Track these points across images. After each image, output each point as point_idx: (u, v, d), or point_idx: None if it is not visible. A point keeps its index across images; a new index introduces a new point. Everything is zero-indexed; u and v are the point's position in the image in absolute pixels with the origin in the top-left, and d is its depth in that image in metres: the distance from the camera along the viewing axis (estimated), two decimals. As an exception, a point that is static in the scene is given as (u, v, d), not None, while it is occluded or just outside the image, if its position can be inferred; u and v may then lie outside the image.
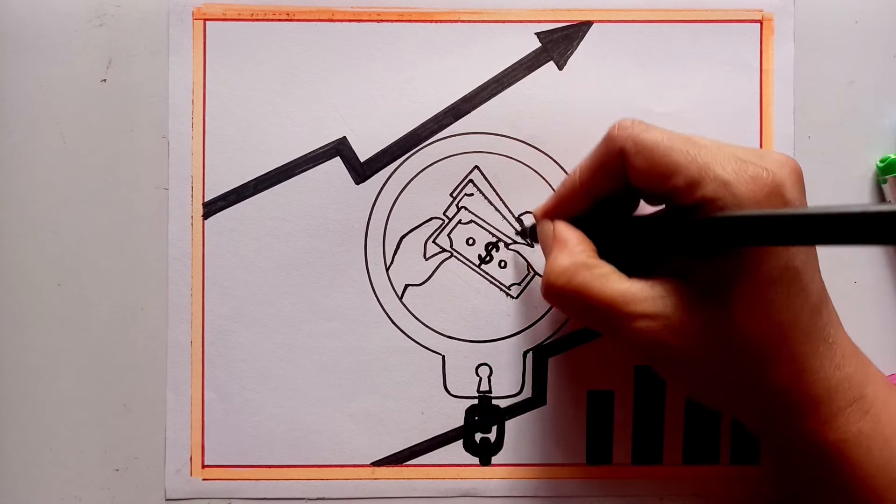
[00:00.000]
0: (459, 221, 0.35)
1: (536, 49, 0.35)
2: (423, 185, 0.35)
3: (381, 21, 0.35)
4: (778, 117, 0.35)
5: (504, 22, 0.35)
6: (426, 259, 0.35)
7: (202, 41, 0.35)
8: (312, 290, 0.35)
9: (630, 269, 0.28)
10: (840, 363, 0.26)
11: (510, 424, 0.35)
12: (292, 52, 0.35)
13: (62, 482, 0.35)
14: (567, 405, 0.35)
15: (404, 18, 0.35)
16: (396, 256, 0.35)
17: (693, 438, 0.35)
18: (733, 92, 0.35)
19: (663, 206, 0.29)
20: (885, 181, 0.34)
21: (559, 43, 0.35)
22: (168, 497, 0.35)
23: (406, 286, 0.35)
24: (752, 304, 0.25)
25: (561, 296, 0.28)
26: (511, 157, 0.35)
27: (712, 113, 0.35)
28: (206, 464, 0.35)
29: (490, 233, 0.35)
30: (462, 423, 0.35)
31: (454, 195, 0.35)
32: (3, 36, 0.35)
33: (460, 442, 0.35)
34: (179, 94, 0.35)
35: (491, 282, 0.35)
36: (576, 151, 0.34)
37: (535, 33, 0.35)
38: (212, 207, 0.35)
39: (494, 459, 0.35)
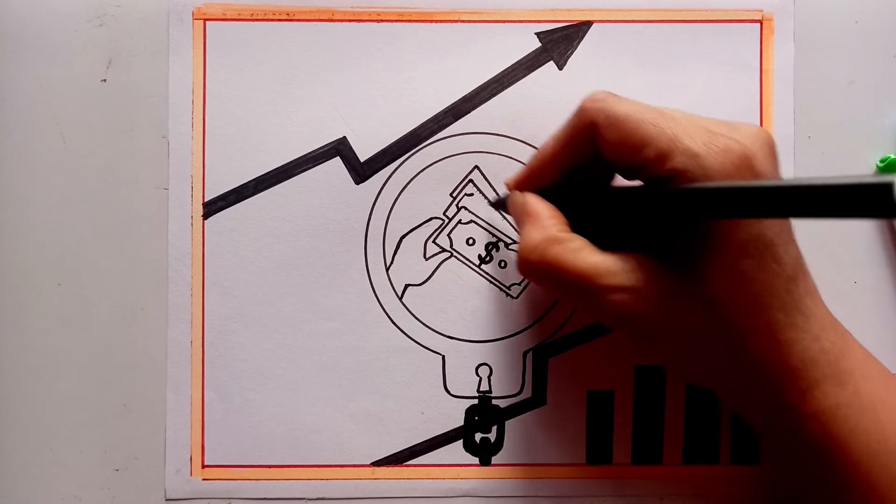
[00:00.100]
0: (459, 221, 0.35)
1: (536, 49, 0.35)
2: (423, 185, 0.35)
3: (381, 21, 0.35)
4: (778, 117, 0.35)
5: (504, 22, 0.35)
6: (426, 259, 0.35)
7: (202, 41, 0.35)
8: (312, 290, 0.35)
9: (603, 241, 0.28)
10: (818, 335, 0.26)
11: (510, 424, 0.35)
12: (292, 52, 0.35)
13: (62, 482, 0.35)
14: (567, 405, 0.35)
15: (404, 18, 0.35)
16: (396, 256, 0.35)
17: (693, 438, 0.35)
18: (733, 92, 0.35)
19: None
20: (885, 181, 0.34)
21: (559, 43, 0.35)
22: (168, 497, 0.35)
23: (406, 286, 0.35)
24: (724, 275, 0.25)
25: (534, 271, 0.28)
26: (511, 157, 0.35)
27: (712, 113, 0.34)
28: (206, 464, 0.35)
29: (490, 233, 0.35)
30: (462, 423, 0.35)
31: (454, 195, 0.35)
32: (3, 36, 0.35)
33: (460, 442, 0.35)
34: (179, 94, 0.35)
35: (491, 282, 0.35)
36: (576, 151, 0.34)
37: (535, 33, 0.35)
38: (212, 207, 0.35)
39: (494, 459, 0.35)
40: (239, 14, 0.35)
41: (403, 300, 0.35)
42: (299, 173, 0.35)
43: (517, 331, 0.35)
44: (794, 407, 0.26)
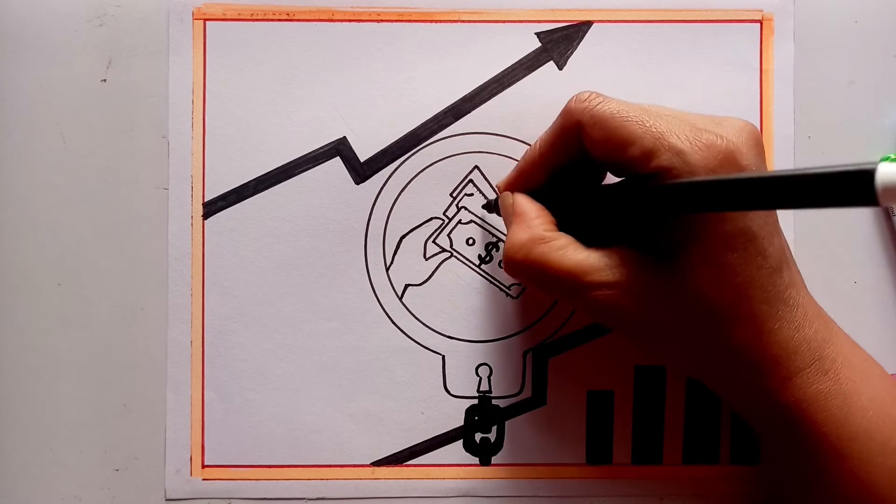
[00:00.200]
0: (459, 221, 0.35)
1: (536, 49, 0.35)
2: (423, 185, 0.35)
3: (381, 21, 0.35)
4: (778, 117, 0.35)
5: (504, 22, 0.35)
6: (426, 259, 0.35)
7: (202, 41, 0.35)
8: (312, 290, 0.35)
9: (592, 239, 0.28)
10: (800, 324, 0.27)
11: (510, 424, 0.35)
12: (292, 52, 0.35)
13: (62, 482, 0.35)
14: (567, 405, 0.35)
15: (404, 18, 0.35)
16: (396, 256, 0.35)
17: (693, 438, 0.35)
18: (733, 92, 0.35)
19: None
20: (884, 181, 0.34)
21: (559, 43, 0.35)
22: (168, 497, 0.35)
23: (406, 286, 0.35)
24: (707, 267, 0.26)
25: (520, 270, 0.29)
26: (511, 157, 0.35)
27: (712, 113, 0.35)
28: (206, 464, 0.35)
29: (490, 233, 0.35)
30: (462, 423, 0.35)
31: (454, 195, 0.35)
32: (3, 36, 0.35)
33: (460, 442, 0.35)
34: (179, 94, 0.35)
35: (491, 282, 0.35)
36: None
37: (535, 33, 0.35)
38: (212, 207, 0.35)
39: (494, 459, 0.35)
40: (239, 14, 0.35)
41: (403, 300, 0.35)
42: (299, 173, 0.35)
43: (517, 331, 0.35)
44: (775, 395, 0.27)
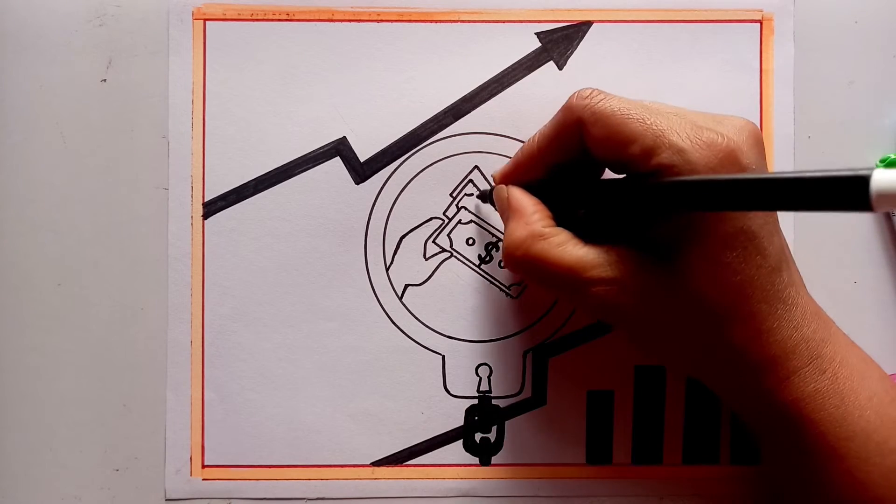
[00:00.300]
0: (459, 221, 0.35)
1: (536, 49, 0.35)
2: (423, 185, 0.35)
3: (381, 21, 0.35)
4: (778, 117, 0.35)
5: (504, 22, 0.35)
6: (426, 259, 0.35)
7: (202, 41, 0.35)
8: (312, 290, 0.35)
9: (589, 233, 0.28)
10: (799, 324, 0.27)
11: (510, 424, 0.35)
12: (292, 52, 0.35)
13: (62, 482, 0.35)
14: (567, 405, 0.35)
15: (404, 18, 0.35)
16: (396, 256, 0.35)
17: (693, 438, 0.35)
18: (733, 92, 0.35)
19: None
20: (884, 181, 0.34)
21: (559, 43, 0.35)
22: (168, 497, 0.35)
23: (406, 286, 0.35)
24: (707, 266, 0.26)
25: (520, 266, 0.29)
26: (511, 158, 0.35)
27: (712, 113, 0.35)
28: (206, 464, 0.35)
29: (490, 233, 0.35)
30: (462, 423, 0.35)
31: (454, 195, 0.35)
32: (3, 36, 0.35)
33: (460, 442, 0.35)
34: (179, 94, 0.35)
35: (491, 282, 0.35)
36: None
37: (535, 33, 0.35)
38: (212, 207, 0.35)
39: (494, 459, 0.35)
40: (239, 14, 0.35)
41: (403, 300, 0.35)
42: (299, 173, 0.35)
43: (517, 331, 0.35)
44: (774, 393, 0.27)
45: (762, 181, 0.22)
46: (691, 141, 0.25)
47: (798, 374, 0.27)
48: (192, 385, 0.35)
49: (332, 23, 0.35)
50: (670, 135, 0.26)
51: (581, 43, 0.35)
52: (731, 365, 0.27)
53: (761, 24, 0.35)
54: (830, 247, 0.35)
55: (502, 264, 0.35)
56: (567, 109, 0.28)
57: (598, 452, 0.35)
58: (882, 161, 0.34)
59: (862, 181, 0.18)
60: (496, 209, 0.32)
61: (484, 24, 0.35)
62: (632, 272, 0.27)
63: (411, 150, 0.35)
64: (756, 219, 0.26)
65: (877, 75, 0.35)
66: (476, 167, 0.35)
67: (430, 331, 0.35)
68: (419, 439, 0.35)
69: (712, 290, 0.26)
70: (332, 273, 0.35)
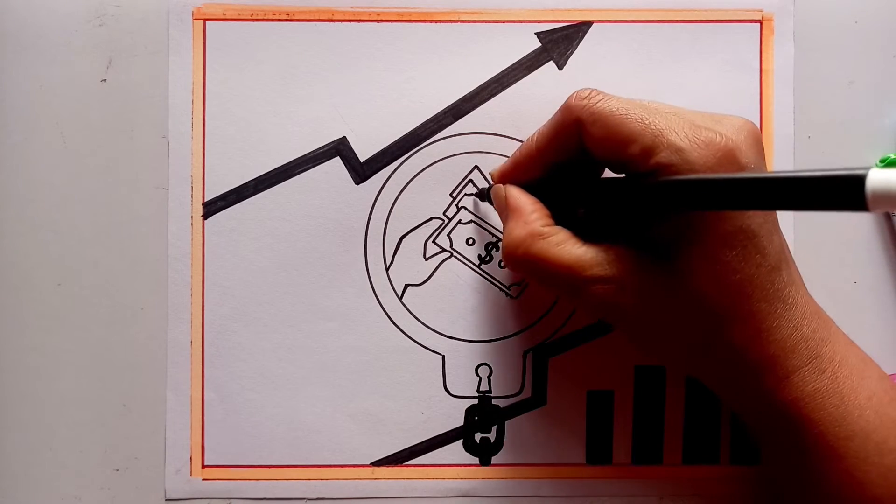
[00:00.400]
0: (459, 221, 0.35)
1: (536, 49, 0.35)
2: (423, 185, 0.35)
3: (381, 21, 0.35)
4: (778, 117, 0.35)
5: (504, 22, 0.35)
6: (426, 259, 0.35)
7: (202, 41, 0.35)
8: (312, 290, 0.35)
9: (588, 232, 0.28)
10: (798, 323, 0.27)
11: (510, 424, 0.35)
12: (292, 52, 0.35)
13: (62, 482, 0.35)
14: (567, 405, 0.35)
15: (404, 18, 0.35)
16: (396, 256, 0.35)
17: (693, 438, 0.35)
18: (733, 92, 0.35)
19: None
20: (884, 181, 0.34)
21: (559, 43, 0.35)
22: (168, 497, 0.35)
23: (406, 286, 0.35)
24: (706, 265, 0.26)
25: (520, 265, 0.29)
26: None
27: (711, 112, 0.35)
28: (206, 464, 0.35)
29: (490, 233, 0.35)
30: (462, 423, 0.35)
31: (454, 195, 0.35)
32: (3, 36, 0.35)
33: (460, 442, 0.35)
34: (179, 94, 0.35)
35: (491, 282, 0.35)
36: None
37: (535, 33, 0.35)
38: (212, 207, 0.35)
39: (494, 459, 0.35)
40: (239, 14, 0.35)
41: (403, 300, 0.35)
42: (299, 173, 0.35)
43: (517, 331, 0.35)
44: (773, 393, 0.27)
45: (760, 180, 0.22)
46: (690, 140, 0.25)
47: (797, 374, 0.27)
48: (192, 385, 0.35)
49: (332, 23, 0.35)
50: (669, 134, 0.26)
51: (581, 43, 0.35)
52: (731, 364, 0.27)
53: (761, 24, 0.35)
54: (830, 247, 0.35)
55: (502, 264, 0.35)
56: (566, 109, 0.28)
57: (598, 452, 0.35)
58: (882, 161, 0.34)
59: (858, 181, 0.18)
60: (494, 207, 0.32)
61: (484, 24, 0.35)
62: (631, 271, 0.27)
63: (411, 150, 0.35)
64: (755, 218, 0.26)
65: (877, 75, 0.35)
66: (476, 167, 0.35)
67: (430, 331, 0.35)
68: (419, 439, 0.35)
69: (712, 289, 0.26)
70: (332, 273, 0.35)
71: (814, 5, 0.35)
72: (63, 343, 0.35)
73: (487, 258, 0.35)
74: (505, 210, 0.30)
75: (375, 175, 0.35)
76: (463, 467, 0.35)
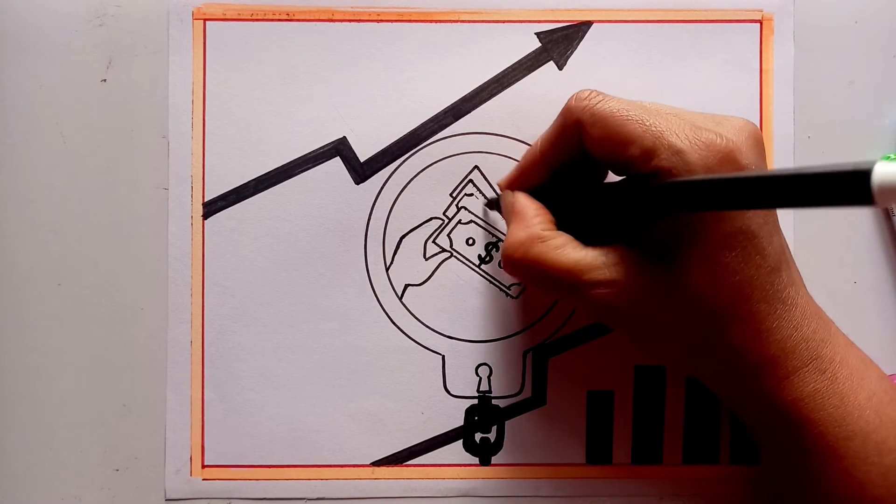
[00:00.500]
0: (459, 221, 0.35)
1: (536, 49, 0.35)
2: (423, 185, 0.35)
3: (381, 21, 0.35)
4: (778, 117, 0.35)
5: (504, 22, 0.35)
6: (426, 259, 0.35)
7: (202, 41, 0.35)
8: (312, 290, 0.35)
9: (593, 238, 0.28)
10: (798, 324, 0.27)
11: (510, 424, 0.35)
12: (292, 52, 0.35)
13: (62, 482, 0.35)
14: (567, 405, 0.35)
15: (404, 18, 0.35)
16: (396, 256, 0.35)
17: (693, 438, 0.35)
18: (733, 92, 0.35)
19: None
20: (884, 181, 0.34)
21: (559, 43, 0.35)
22: (168, 497, 0.35)
23: (406, 286, 0.35)
24: (706, 266, 0.26)
25: (518, 268, 0.29)
26: (511, 158, 0.35)
27: (712, 113, 0.35)
28: (206, 464, 0.35)
29: (490, 233, 0.35)
30: (462, 423, 0.35)
31: (454, 195, 0.35)
32: (3, 36, 0.35)
33: (460, 442, 0.35)
34: (179, 94, 0.35)
35: (491, 282, 0.35)
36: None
37: (535, 33, 0.35)
38: (212, 207, 0.35)
39: (494, 459, 0.35)
40: (239, 14, 0.35)
41: (403, 300, 0.35)
42: (299, 173, 0.35)
43: (517, 331, 0.35)
44: (773, 393, 0.27)
45: (763, 178, 0.22)
46: (690, 142, 0.25)
47: (797, 374, 0.27)
48: (192, 385, 0.35)
49: (332, 23, 0.35)
50: (669, 136, 0.26)
51: (581, 43, 0.35)
52: (731, 365, 0.27)
53: (761, 24, 0.35)
54: (830, 247, 0.35)
55: (502, 265, 0.35)
56: (566, 111, 0.28)
57: (598, 452, 0.35)
58: (883, 160, 0.34)
59: (863, 175, 0.18)
60: (502, 215, 0.32)
61: (484, 24, 0.35)
62: (630, 273, 0.27)
63: (411, 150, 0.35)
64: (755, 218, 0.26)
65: (877, 75, 0.35)
66: (476, 167, 0.35)
67: (430, 331, 0.35)
68: (419, 439, 0.35)
69: (712, 290, 0.26)
70: (332, 273, 0.35)
71: (814, 5, 0.35)
72: (63, 343, 0.35)
73: (487, 258, 0.35)
74: (510, 215, 0.30)
75: (375, 175, 0.35)
76: (463, 467, 0.35)
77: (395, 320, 0.35)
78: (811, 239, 0.35)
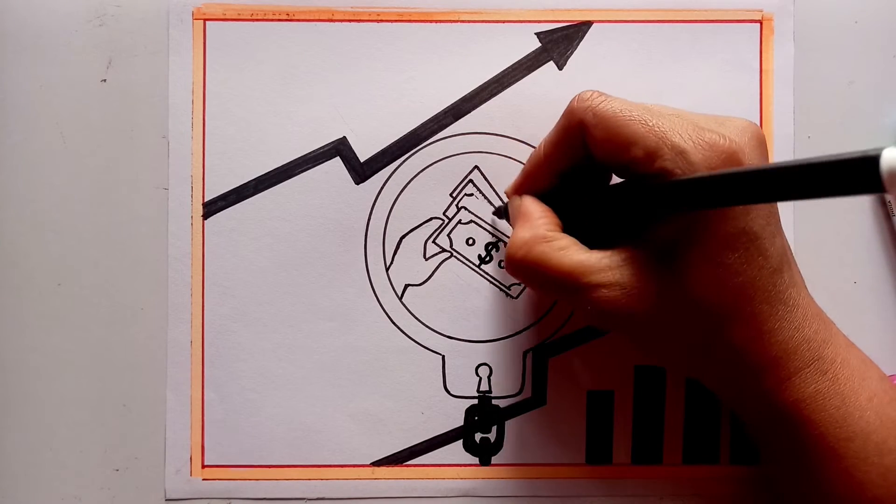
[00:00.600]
0: (459, 221, 0.35)
1: (536, 49, 0.35)
2: (423, 185, 0.35)
3: (381, 21, 0.35)
4: (778, 117, 0.35)
5: (504, 22, 0.35)
6: (426, 259, 0.35)
7: (202, 41, 0.35)
8: (312, 290, 0.35)
9: (598, 243, 0.28)
10: (800, 325, 0.27)
11: (510, 424, 0.35)
12: (292, 52, 0.35)
13: (62, 482, 0.35)
14: (567, 405, 0.35)
15: (404, 18, 0.35)
16: (396, 256, 0.35)
17: (693, 438, 0.35)
18: (733, 92, 0.35)
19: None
20: (884, 181, 0.34)
21: (559, 43, 0.35)
22: (168, 497, 0.35)
23: (406, 286, 0.35)
24: (707, 268, 0.26)
25: (520, 268, 0.29)
26: (511, 157, 0.35)
27: (713, 113, 0.35)
28: (206, 464, 0.35)
29: (490, 233, 0.35)
30: (462, 423, 0.35)
31: (454, 195, 0.35)
32: (3, 36, 0.35)
33: (460, 442, 0.35)
34: (179, 94, 0.35)
35: (491, 282, 0.35)
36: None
37: (535, 33, 0.35)
38: (212, 207, 0.35)
39: (494, 459, 0.35)
40: (239, 14, 0.35)
41: (403, 300, 0.35)
42: (299, 173, 0.35)
43: (517, 331, 0.35)
44: (774, 394, 0.27)
45: (772, 170, 0.21)
46: (693, 142, 0.25)
47: (799, 376, 0.27)
48: (192, 385, 0.35)
49: (332, 23, 0.35)
50: (672, 136, 0.26)
51: (581, 43, 0.35)
52: (732, 366, 0.27)
53: (761, 24, 0.35)
54: (830, 247, 0.35)
55: (502, 264, 0.35)
56: (569, 113, 0.28)
57: (597, 452, 0.35)
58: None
59: (872, 161, 0.18)
60: (509, 222, 0.32)
61: (484, 24, 0.35)
62: (633, 275, 0.27)
63: (411, 150, 0.35)
64: (758, 220, 0.26)
65: (877, 75, 0.35)
66: (476, 167, 0.35)
67: (430, 331, 0.35)
68: (419, 439, 0.35)
69: (714, 291, 0.26)
70: (332, 273, 0.35)
71: (814, 5, 0.35)
72: (63, 343, 0.35)
73: (487, 258, 0.35)
74: (516, 217, 0.30)
75: (375, 175, 0.35)
76: (463, 467, 0.35)
77: (395, 320, 0.35)
78: (811, 239, 0.35)
